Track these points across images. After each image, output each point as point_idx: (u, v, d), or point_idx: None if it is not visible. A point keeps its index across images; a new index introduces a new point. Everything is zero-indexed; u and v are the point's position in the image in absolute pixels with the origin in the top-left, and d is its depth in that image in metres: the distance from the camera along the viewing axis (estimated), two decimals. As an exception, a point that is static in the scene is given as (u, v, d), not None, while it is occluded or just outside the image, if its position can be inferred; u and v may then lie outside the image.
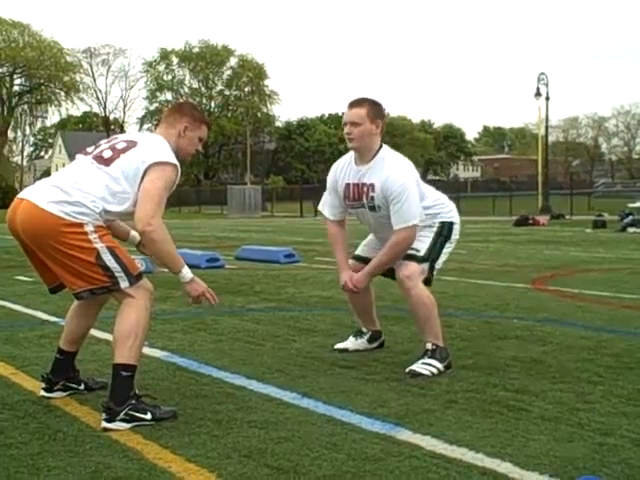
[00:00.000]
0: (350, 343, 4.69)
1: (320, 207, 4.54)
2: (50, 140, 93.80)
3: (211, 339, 5.11)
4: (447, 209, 4.39)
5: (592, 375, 4.01)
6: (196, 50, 75.13)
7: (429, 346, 4.14)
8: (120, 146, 3.39)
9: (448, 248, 4.35)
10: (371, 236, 4.60)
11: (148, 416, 3.18)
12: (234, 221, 34.70)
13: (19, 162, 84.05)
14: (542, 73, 34.46)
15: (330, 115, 79.08)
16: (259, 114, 75.32)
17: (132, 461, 2.74)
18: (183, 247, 11.84)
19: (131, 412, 3.15)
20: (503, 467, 2.66)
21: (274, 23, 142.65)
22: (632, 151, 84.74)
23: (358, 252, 4.59)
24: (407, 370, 4.04)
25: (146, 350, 4.67)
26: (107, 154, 3.36)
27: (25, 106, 74.86)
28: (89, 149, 3.50)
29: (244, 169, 56.42)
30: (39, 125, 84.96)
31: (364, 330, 4.71)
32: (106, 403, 3.16)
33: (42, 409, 3.41)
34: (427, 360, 4.09)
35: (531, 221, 26.34)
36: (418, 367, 4.05)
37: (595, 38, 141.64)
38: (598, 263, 11.13)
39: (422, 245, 4.21)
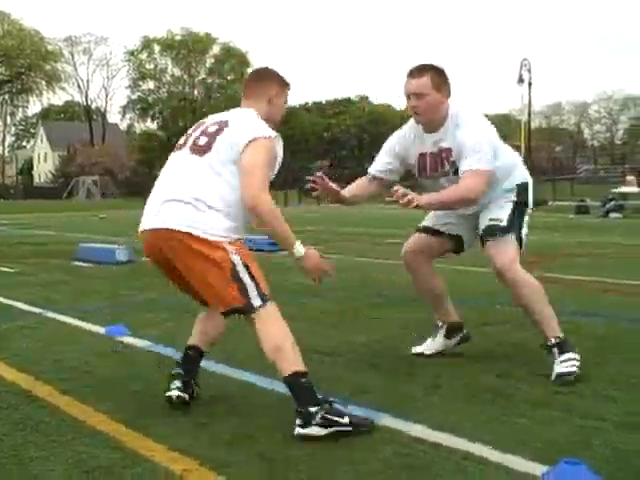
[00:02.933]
0: (426, 347, 4.24)
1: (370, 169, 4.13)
2: (32, 130, 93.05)
3: (195, 328, 5.09)
4: (522, 168, 4.02)
5: (574, 359, 4.03)
6: (178, 38, 74.60)
7: (554, 341, 3.73)
8: (212, 129, 3.22)
9: (527, 215, 3.98)
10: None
11: (346, 420, 2.90)
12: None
13: (0, 152, 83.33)
14: (525, 59, 34.44)
15: (315, 103, 78.89)
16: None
17: (115, 450, 2.73)
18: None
19: (327, 415, 2.88)
20: (485, 451, 2.68)
21: (257, 10, 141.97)
22: (614, 137, 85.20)
23: (421, 224, 4.21)
24: (553, 377, 3.62)
25: (130, 339, 4.68)
26: (202, 141, 3.19)
27: (6, 96, 74.15)
28: (180, 142, 3.34)
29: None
30: (20, 115, 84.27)
31: (438, 324, 4.26)
32: (298, 409, 2.90)
33: (24, 400, 3.39)
34: (563, 357, 3.68)
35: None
36: (562, 368, 3.64)
37: (577, 24, 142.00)
38: (581, 248, 11.19)
39: (503, 213, 3.85)
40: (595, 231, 15.21)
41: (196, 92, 76.81)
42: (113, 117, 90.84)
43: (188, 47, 74.10)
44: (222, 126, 3.20)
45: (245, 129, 3.15)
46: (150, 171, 71.74)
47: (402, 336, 4.69)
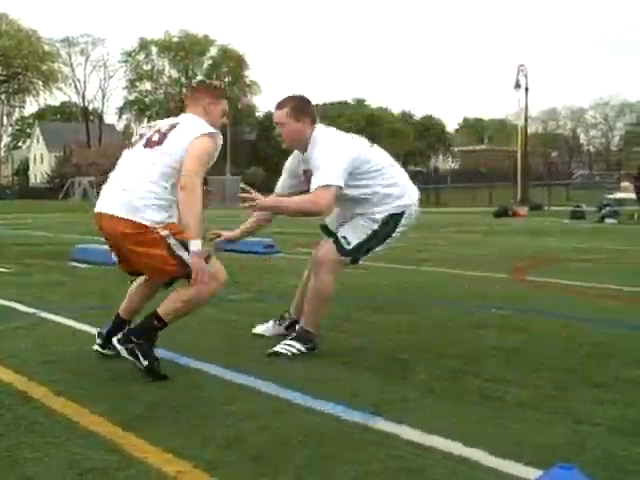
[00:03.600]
0: (267, 329, 4.80)
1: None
2: (28, 130, 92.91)
3: (189, 330, 5.09)
4: (398, 193, 4.32)
5: (569, 364, 4.05)
6: (176, 40, 74.69)
7: (298, 329, 4.30)
8: (165, 129, 3.85)
9: (387, 242, 4.35)
10: (337, 210, 4.56)
11: (145, 362, 3.63)
12: (214, 212, 34.56)
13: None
14: (522, 65, 34.61)
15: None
16: (239, 104, 75.05)
17: (109, 452, 2.73)
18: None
19: (137, 350, 3.66)
20: (479, 455, 2.68)
21: (255, 13, 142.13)
22: (610, 143, 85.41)
23: (326, 222, 4.60)
24: (268, 351, 4.19)
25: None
26: (155, 137, 3.83)
27: (2, 96, 74.10)
28: (133, 140, 4.01)
29: (224, 160, 56.25)
30: (17, 115, 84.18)
31: (287, 316, 4.77)
32: (126, 330, 3.77)
33: (19, 401, 3.38)
34: (289, 342, 4.23)
35: (510, 212, 26.50)
36: (279, 347, 4.20)
37: (574, 29, 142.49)
38: (576, 253, 11.22)
39: (355, 238, 4.25)
40: (590, 236, 15.24)
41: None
42: (110, 118, 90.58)
43: (185, 49, 74.18)
44: (173, 126, 3.87)
45: (192, 128, 3.81)
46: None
47: (395, 339, 4.70)
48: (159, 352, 4.31)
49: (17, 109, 79.65)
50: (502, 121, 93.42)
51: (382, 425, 3.01)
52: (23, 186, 71.69)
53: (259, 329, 4.82)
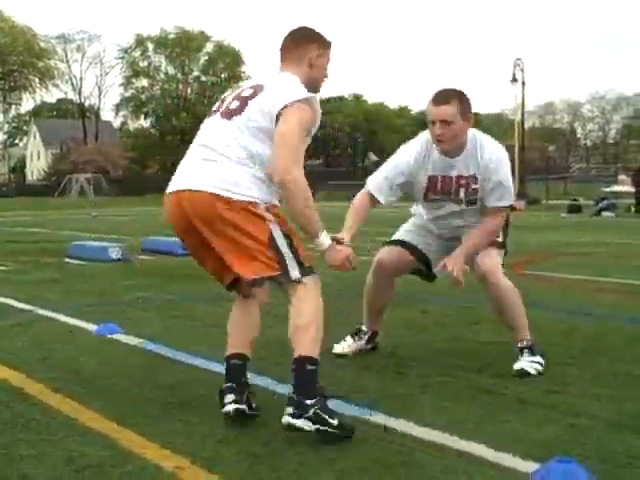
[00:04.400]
0: (348, 348, 4.21)
1: (369, 179, 3.96)
2: (25, 127, 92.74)
3: (187, 326, 5.09)
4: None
5: (566, 358, 4.05)
6: (172, 36, 74.45)
7: (526, 343, 3.84)
8: (246, 93, 3.03)
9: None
10: (416, 220, 4.19)
11: (335, 421, 2.77)
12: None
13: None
14: (518, 58, 34.49)
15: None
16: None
17: (106, 448, 2.72)
18: (159, 235, 11.78)
19: (319, 411, 2.75)
20: (477, 449, 2.68)
21: (250, 9, 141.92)
22: (607, 136, 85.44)
23: (400, 237, 4.13)
24: (515, 369, 3.72)
25: (121, 337, 4.67)
26: (234, 105, 3.01)
27: (-2, 93, 73.93)
28: (214, 107, 3.15)
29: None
30: (13, 112, 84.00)
31: (364, 329, 4.24)
32: (294, 397, 2.78)
33: (15, 398, 3.37)
34: (531, 357, 3.78)
35: (508, 206, 26.49)
36: (526, 366, 3.74)
37: (570, 23, 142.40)
38: (573, 247, 11.22)
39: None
40: (587, 230, 15.25)
41: (190, 90, 76.69)
42: (106, 115, 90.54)
43: (182, 45, 73.97)
44: (257, 90, 3.01)
45: (279, 95, 2.94)
46: (143, 169, 71.82)
47: (393, 335, 4.69)
48: (158, 348, 4.31)
49: (13, 106, 79.50)
50: (499, 115, 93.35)
51: (380, 420, 3.01)
52: (20, 183, 71.61)
53: (338, 349, 4.20)
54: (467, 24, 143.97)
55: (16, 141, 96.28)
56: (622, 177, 26.91)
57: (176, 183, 3.02)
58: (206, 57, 76.16)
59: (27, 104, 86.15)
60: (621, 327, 4.96)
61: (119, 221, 21.11)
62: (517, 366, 3.74)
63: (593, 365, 3.91)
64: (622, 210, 22.40)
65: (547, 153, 63.12)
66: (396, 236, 4.16)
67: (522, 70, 34.31)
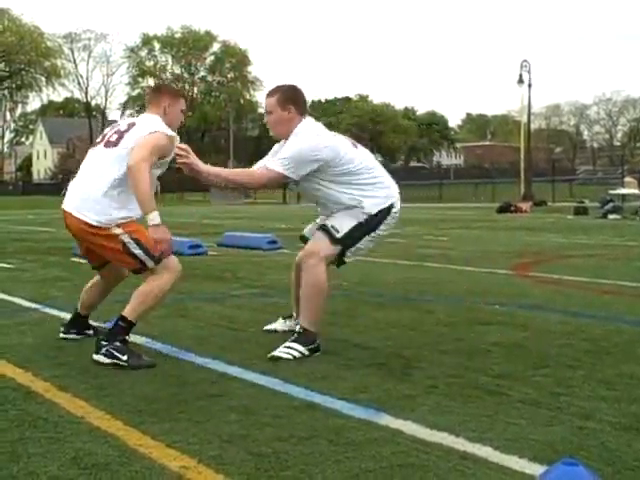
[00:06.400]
0: (279, 325, 4.76)
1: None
2: (31, 126, 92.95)
3: (192, 325, 5.10)
4: (384, 193, 4.32)
5: (572, 360, 4.04)
6: (178, 35, 74.68)
7: (298, 328, 4.22)
8: (123, 128, 4.10)
9: (372, 237, 4.30)
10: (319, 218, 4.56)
11: (124, 357, 3.84)
12: (217, 208, 34.60)
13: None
14: (525, 60, 34.52)
15: (313, 102, 78.87)
16: (242, 100, 75.02)
17: (113, 447, 2.73)
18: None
19: (112, 350, 3.86)
20: (483, 451, 2.68)
21: (257, 9, 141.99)
22: (613, 138, 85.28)
23: (304, 232, 4.60)
24: (269, 356, 4.04)
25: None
26: (113, 137, 4.08)
27: (5, 91, 74.12)
28: (97, 140, 4.24)
29: (227, 156, 56.22)
30: (19, 111, 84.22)
31: (294, 314, 4.68)
32: (99, 340, 3.95)
33: (22, 396, 3.38)
34: (289, 344, 4.10)
35: (513, 208, 26.46)
36: (279, 351, 4.06)
37: (577, 25, 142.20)
38: (579, 249, 11.20)
39: (343, 226, 4.20)
40: (593, 232, 15.22)
41: (196, 90, 76.79)
42: (113, 114, 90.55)
43: (188, 45, 74.12)
44: (130, 126, 4.10)
45: (148, 126, 4.02)
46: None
47: (398, 335, 4.69)
48: (164, 347, 4.32)
49: (20, 105, 79.75)
50: (505, 117, 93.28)
51: (386, 421, 3.01)
52: (26, 182, 71.75)
53: (267, 326, 4.82)
54: (474, 25, 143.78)
55: (22, 139, 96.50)
56: (628, 179, 26.81)
57: (64, 203, 4.17)
58: (212, 57, 76.29)
59: (34, 103, 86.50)
60: (626, 329, 4.95)
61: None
62: (272, 353, 4.07)
63: (599, 367, 3.90)
64: (628, 212, 22.35)
65: (553, 155, 63.00)
66: (302, 233, 4.65)
67: (529, 72, 34.32)
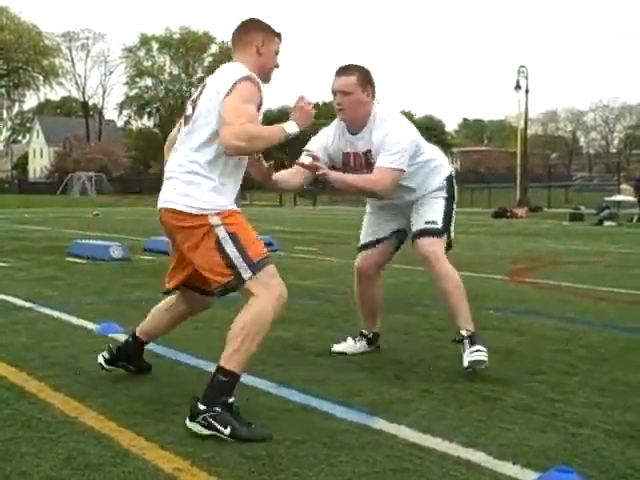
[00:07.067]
0: (349, 347, 4.33)
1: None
2: (28, 124, 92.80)
3: (188, 327, 5.06)
4: (447, 163, 4.23)
5: (566, 366, 4.05)
6: (177, 36, 74.64)
7: (464, 333, 3.90)
8: (194, 95, 3.27)
9: (454, 206, 4.15)
10: (370, 217, 4.34)
11: (227, 430, 2.83)
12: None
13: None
14: (522, 66, 34.53)
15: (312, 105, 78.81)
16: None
17: (106, 448, 2.72)
18: (161, 235, 11.79)
19: (210, 419, 2.84)
20: (477, 456, 2.67)
21: (255, 11, 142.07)
22: (609, 145, 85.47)
23: (365, 240, 4.31)
24: (465, 366, 3.79)
25: (122, 336, 4.65)
26: (189, 110, 3.23)
27: (2, 90, 74.01)
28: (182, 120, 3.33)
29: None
30: (16, 109, 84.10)
31: (365, 332, 4.35)
32: (194, 400, 2.92)
33: (15, 395, 3.37)
34: (474, 347, 3.83)
35: (509, 214, 26.49)
36: (472, 357, 3.79)
37: (576, 27, 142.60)
38: (574, 255, 11.21)
39: (437, 214, 4.02)
40: (589, 239, 15.24)
41: (193, 90, 76.82)
42: (110, 114, 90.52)
43: (186, 45, 74.11)
44: (202, 89, 3.22)
45: (220, 82, 3.10)
46: (146, 169, 71.80)
47: (393, 339, 4.69)
48: (159, 348, 4.31)
49: (17, 103, 79.68)
50: (502, 122, 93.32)
51: (380, 425, 3.01)
52: (22, 180, 71.63)
53: (337, 347, 4.35)
54: (472, 30, 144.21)
55: (19, 138, 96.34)
56: (624, 186, 26.89)
57: (159, 200, 3.24)
58: (211, 58, 76.26)
59: (31, 101, 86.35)
60: (622, 336, 4.96)
61: (121, 220, 21.11)
62: (465, 362, 3.82)
63: (593, 374, 3.91)
64: (624, 219, 22.39)
65: (549, 161, 63.13)
66: (361, 241, 4.35)
67: (526, 77, 34.35)
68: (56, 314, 5.43)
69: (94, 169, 57.47)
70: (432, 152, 4.15)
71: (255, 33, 3.29)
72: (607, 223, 21.34)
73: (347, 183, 3.86)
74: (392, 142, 3.81)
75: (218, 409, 2.86)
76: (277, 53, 3.36)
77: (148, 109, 76.95)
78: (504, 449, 2.75)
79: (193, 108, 3.18)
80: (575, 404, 3.35)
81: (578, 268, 9.47)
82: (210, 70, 75.36)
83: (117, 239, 11.85)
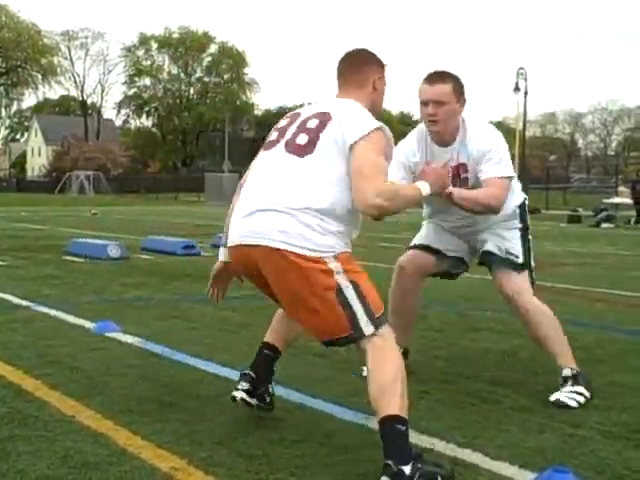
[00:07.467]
0: None
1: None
2: (26, 123, 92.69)
3: (186, 326, 5.08)
4: (518, 185, 3.81)
5: (564, 368, 4.04)
6: (176, 36, 74.56)
7: (568, 372, 3.55)
8: (312, 124, 2.75)
9: (530, 237, 3.79)
10: (429, 221, 3.96)
11: (443, 472, 2.48)
12: (211, 209, 34.54)
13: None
14: (521, 68, 34.56)
15: (309, 104, 78.80)
16: (238, 102, 74.98)
17: (103, 447, 2.72)
18: (159, 234, 11.79)
19: (421, 476, 2.41)
20: (474, 457, 2.68)
21: (254, 10, 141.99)
22: (608, 147, 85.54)
23: (419, 241, 3.93)
24: (552, 399, 3.45)
25: (119, 335, 4.66)
26: (302, 139, 2.73)
27: (1, 88, 73.94)
28: (271, 138, 2.86)
29: (222, 157, 56.17)
30: (15, 108, 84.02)
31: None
32: (391, 465, 2.41)
33: (12, 394, 3.37)
34: (573, 388, 3.49)
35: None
36: (564, 397, 3.45)
37: (575, 27, 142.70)
38: (572, 257, 11.22)
39: (517, 247, 3.67)
40: (586, 240, 15.25)
41: (192, 90, 76.72)
42: (108, 113, 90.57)
43: (185, 45, 74.06)
44: (325, 121, 2.73)
45: (351, 124, 2.69)
46: (144, 168, 71.85)
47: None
48: (157, 348, 4.31)
49: (15, 102, 79.59)
50: (500, 124, 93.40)
51: (377, 425, 2.99)
52: (20, 179, 71.51)
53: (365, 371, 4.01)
54: (471, 32, 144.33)
55: (17, 137, 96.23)
56: (622, 189, 26.94)
57: (233, 235, 2.80)
58: (210, 58, 76.23)
59: (29, 100, 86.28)
60: (618, 338, 4.96)
61: (119, 219, 21.11)
62: (554, 397, 3.46)
63: (591, 375, 3.89)
64: (621, 222, 22.41)
65: (547, 163, 63.16)
66: (414, 240, 3.97)
67: (525, 79, 34.35)
68: (53, 313, 5.42)
69: (92, 168, 57.39)
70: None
71: (370, 67, 2.95)
72: (605, 225, 21.36)
73: (471, 200, 3.41)
74: (493, 150, 3.48)
75: (419, 465, 2.44)
76: (385, 85, 3.04)
77: (146, 108, 76.82)
78: (501, 450, 2.75)
79: (311, 138, 2.71)
80: (572, 406, 3.35)
81: (575, 270, 9.48)
82: (208, 70, 75.51)
83: (115, 238, 11.84)
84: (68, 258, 9.46)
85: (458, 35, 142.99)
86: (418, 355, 4.31)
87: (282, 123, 2.90)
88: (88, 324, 4.98)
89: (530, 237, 3.78)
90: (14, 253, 9.97)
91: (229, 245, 2.84)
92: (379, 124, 2.72)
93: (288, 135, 2.78)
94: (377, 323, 2.63)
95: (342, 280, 2.59)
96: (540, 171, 50.07)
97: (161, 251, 10.14)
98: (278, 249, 2.59)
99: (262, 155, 2.86)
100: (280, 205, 2.63)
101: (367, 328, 2.61)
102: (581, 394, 3.46)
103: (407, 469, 2.39)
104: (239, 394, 3.00)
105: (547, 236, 16.83)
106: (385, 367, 2.62)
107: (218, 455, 2.66)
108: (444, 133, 3.54)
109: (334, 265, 2.59)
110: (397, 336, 3.32)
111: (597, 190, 39.16)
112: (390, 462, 2.41)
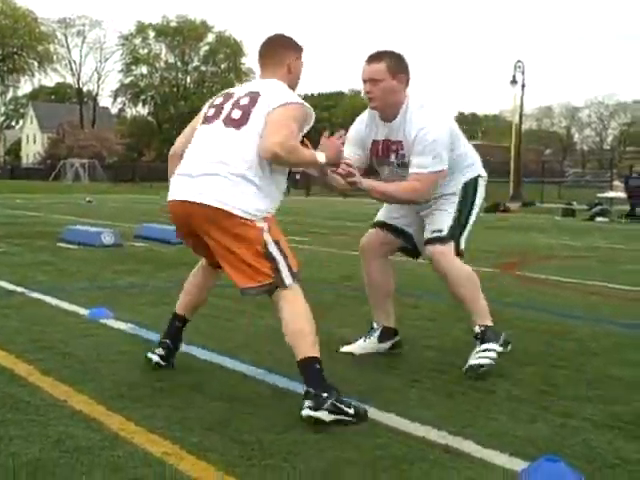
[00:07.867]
0: (357, 347, 4.11)
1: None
2: (21, 110, 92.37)
3: (179, 313, 5.07)
4: (471, 160, 3.94)
5: (556, 359, 4.06)
6: (173, 24, 74.30)
7: (477, 330, 3.74)
8: (245, 101, 3.20)
9: (475, 211, 3.91)
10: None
11: (351, 410, 2.89)
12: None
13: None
14: (519, 61, 34.53)
15: (307, 96, 78.77)
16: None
17: (95, 431, 2.72)
18: (153, 222, 11.77)
19: (335, 402, 2.86)
20: (465, 445, 2.68)
21: (252, 0, 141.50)
22: (603, 142, 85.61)
23: (378, 218, 4.09)
24: (465, 369, 3.63)
25: (112, 322, 4.66)
26: (236, 114, 3.17)
27: (-3, 75, 73.59)
28: (209, 114, 3.29)
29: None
30: (10, 95, 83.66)
31: (374, 326, 4.15)
32: (309, 392, 2.90)
33: (5, 379, 3.36)
34: (480, 347, 3.69)
35: (502, 208, 26.51)
36: (474, 360, 3.64)
37: (575, 25, 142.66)
38: (566, 250, 11.24)
39: (444, 223, 3.78)
40: (580, 234, 15.28)
41: (189, 79, 76.51)
42: (104, 101, 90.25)
43: (183, 34, 73.81)
44: (255, 97, 3.19)
45: (277, 96, 3.16)
46: (139, 157, 71.65)
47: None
48: (148, 334, 4.31)
49: (11, 89, 79.22)
50: (496, 117, 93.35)
51: (369, 413, 3.00)
52: (15, 166, 71.32)
53: (346, 348, 4.13)
54: (468, 25, 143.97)
55: (12, 124, 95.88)
56: (617, 183, 26.98)
57: (179, 191, 3.20)
58: (207, 47, 75.99)
59: (25, 87, 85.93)
60: (612, 331, 4.97)
61: (113, 207, 21.06)
62: (466, 366, 3.65)
63: (584, 367, 3.92)
64: (616, 216, 22.45)
65: (543, 156, 63.21)
66: (375, 218, 4.13)
67: (522, 72, 34.33)
68: (47, 299, 5.42)
69: (87, 156, 57.28)
70: (464, 150, 3.90)
71: (287, 51, 3.39)
72: (599, 219, 21.39)
73: (381, 192, 3.63)
74: (429, 140, 3.58)
75: (335, 392, 2.94)
76: (302, 66, 3.47)
77: (143, 97, 76.58)
78: (493, 438, 2.76)
79: (244, 113, 3.15)
80: (564, 396, 3.36)
81: (569, 263, 9.50)
82: (205, 60, 75.28)
83: (109, 226, 11.82)
84: (62, 245, 9.44)
85: (456, 28, 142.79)
86: (410, 344, 4.32)
87: (217, 101, 3.34)
88: (82, 310, 4.97)
89: (474, 211, 3.91)
90: (8, 240, 9.95)
91: (170, 199, 3.25)
92: (301, 101, 3.20)
93: (225, 111, 3.22)
94: (295, 277, 3.11)
95: (267, 237, 3.07)
96: (536, 165, 50.07)
97: (155, 238, 10.12)
98: (217, 208, 3.03)
99: (203, 128, 3.28)
100: (222, 170, 3.08)
101: (287, 279, 3.09)
102: (491, 350, 3.66)
103: (325, 394, 2.87)
104: (155, 357, 3.55)
105: (541, 229, 16.87)
106: (297, 316, 3.07)
107: (210, 441, 2.66)
108: (383, 109, 3.71)
109: (262, 225, 3.07)
110: (376, 313, 4.12)
111: (592, 184, 39.22)
112: (310, 389, 2.90)
